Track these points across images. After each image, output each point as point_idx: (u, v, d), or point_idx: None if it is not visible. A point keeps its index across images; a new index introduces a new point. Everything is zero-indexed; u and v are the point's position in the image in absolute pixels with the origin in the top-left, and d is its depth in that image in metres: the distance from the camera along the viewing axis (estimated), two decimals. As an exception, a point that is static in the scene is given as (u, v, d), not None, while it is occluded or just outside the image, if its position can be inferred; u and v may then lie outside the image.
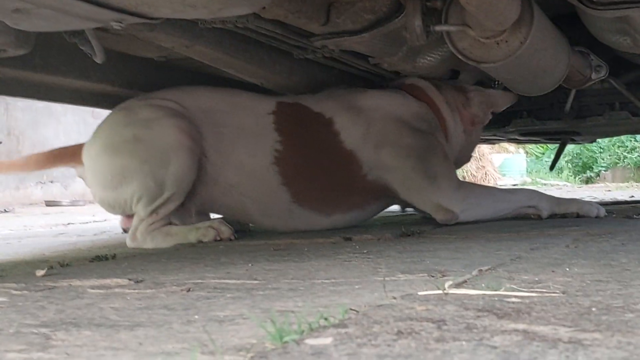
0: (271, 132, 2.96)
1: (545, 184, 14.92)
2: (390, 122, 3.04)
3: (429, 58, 2.90)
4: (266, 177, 2.94)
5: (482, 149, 17.92)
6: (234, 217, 3.06)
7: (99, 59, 2.15)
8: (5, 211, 8.28)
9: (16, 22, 1.65)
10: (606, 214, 3.09)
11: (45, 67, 2.56)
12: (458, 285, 1.39)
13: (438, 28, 2.46)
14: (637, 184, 12.38)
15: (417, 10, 2.45)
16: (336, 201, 3.04)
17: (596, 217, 3.08)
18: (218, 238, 2.75)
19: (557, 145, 5.28)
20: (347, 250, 2.29)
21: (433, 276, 1.58)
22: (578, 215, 3.03)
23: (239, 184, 2.94)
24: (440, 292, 1.33)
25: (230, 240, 2.77)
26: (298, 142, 2.98)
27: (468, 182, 3.15)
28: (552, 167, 5.57)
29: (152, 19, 1.69)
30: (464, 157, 3.51)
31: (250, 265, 2.01)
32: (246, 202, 2.98)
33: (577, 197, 4.29)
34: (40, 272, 2.00)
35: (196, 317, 1.26)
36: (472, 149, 3.53)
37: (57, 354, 1.02)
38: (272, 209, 3.01)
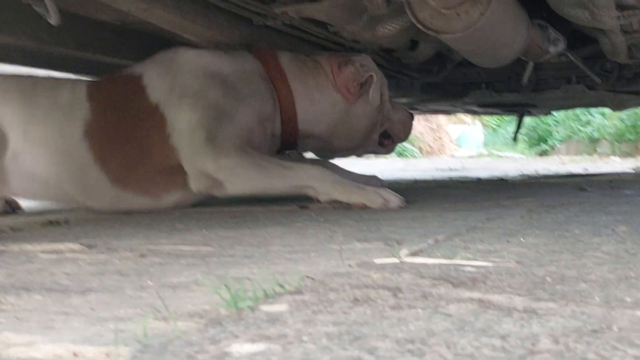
0: (83, 104, 2.69)
1: (501, 156, 15.05)
2: (199, 75, 2.73)
3: (389, 27, 2.88)
4: (79, 152, 2.65)
5: (439, 119, 18.02)
6: (55, 200, 2.79)
7: (53, 20, 2.11)
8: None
9: (-33, -20, 1.61)
10: (405, 205, 2.59)
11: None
12: (414, 254, 1.39)
13: (399, -3, 2.45)
14: (590, 157, 12.55)
15: (378, -21, 2.43)
16: (153, 179, 2.70)
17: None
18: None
19: (514, 117, 5.32)
20: (304, 218, 2.28)
21: (389, 245, 1.58)
22: (365, 206, 2.58)
23: (55, 164, 2.66)
24: (396, 260, 1.33)
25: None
26: (108, 110, 2.69)
27: (247, 152, 2.65)
28: (514, 138, 5.60)
29: (108, -21, 1.66)
30: (352, 129, 3.07)
31: (205, 231, 2.00)
32: (64, 183, 2.68)
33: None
34: (-10, 236, 1.97)
35: (150, 283, 1.25)
36: (363, 121, 3.07)
37: (7, 318, 1.01)
38: (92, 189, 2.68)
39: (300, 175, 2.64)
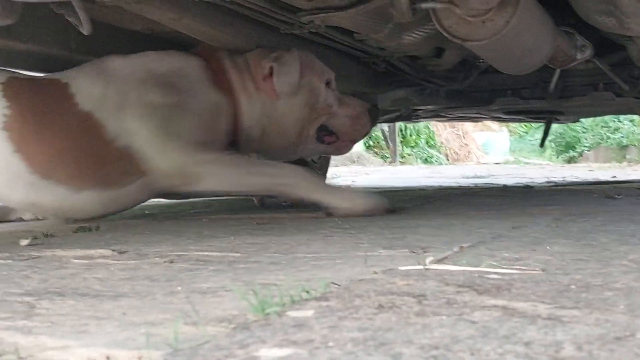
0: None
1: (528, 163, 14.98)
2: (131, 82, 2.68)
3: (414, 35, 2.90)
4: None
5: (466, 127, 17.97)
6: None
7: (85, 30, 2.14)
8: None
9: (2, -8, 1.64)
10: (392, 209, 2.56)
11: (31, 37, 2.54)
12: (439, 261, 1.41)
13: (424, 5, 2.46)
14: (619, 164, 12.46)
15: (400, -13, 2.45)
16: (84, 173, 2.64)
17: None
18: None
19: (541, 124, 5.31)
20: (329, 225, 2.30)
21: (414, 252, 1.59)
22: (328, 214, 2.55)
23: None
24: (421, 267, 1.34)
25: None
26: (29, 107, 2.64)
27: (218, 149, 2.66)
28: (542, 144, 5.58)
29: (138, -10, 1.69)
30: (280, 127, 2.95)
31: (232, 238, 2.02)
32: None
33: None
34: (24, 242, 2.01)
35: (179, 288, 1.28)
36: (290, 116, 2.94)
37: (42, 322, 1.03)
38: (11, 181, 2.62)
39: (283, 172, 2.60)
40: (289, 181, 2.57)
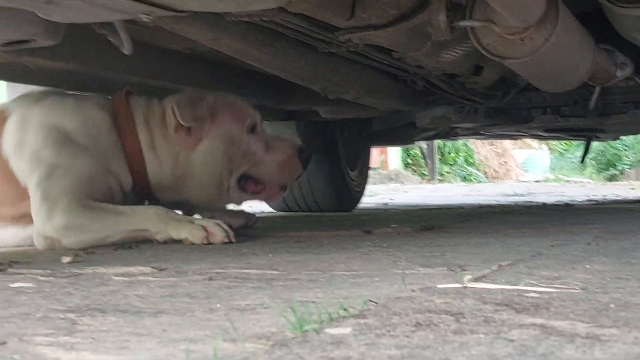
0: None
1: (568, 181, 14.85)
2: (39, 132, 2.66)
3: (452, 53, 2.90)
4: None
5: (505, 144, 17.88)
6: None
7: (127, 50, 2.18)
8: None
9: (47, 14, 1.68)
10: (232, 240, 2.46)
11: (74, 57, 2.59)
12: (477, 280, 1.41)
13: (462, 23, 2.47)
14: (662, 182, 12.29)
15: (442, 6, 2.45)
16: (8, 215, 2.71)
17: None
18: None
19: (582, 142, 5.27)
20: (367, 243, 2.30)
21: (453, 270, 1.59)
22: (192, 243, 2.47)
23: None
24: (459, 285, 1.34)
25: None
26: None
27: (81, 206, 2.55)
28: (582, 163, 5.54)
29: (179, 12, 1.72)
30: (198, 178, 2.82)
31: (271, 256, 2.04)
32: None
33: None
34: (66, 259, 2.04)
35: (218, 305, 1.29)
36: (208, 168, 2.80)
37: (84, 339, 1.05)
38: None
39: (133, 219, 2.54)
40: (144, 226, 2.53)
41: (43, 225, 2.54)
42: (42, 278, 1.72)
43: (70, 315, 1.23)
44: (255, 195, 2.96)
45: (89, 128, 2.70)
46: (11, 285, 1.62)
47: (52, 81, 2.79)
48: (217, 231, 2.46)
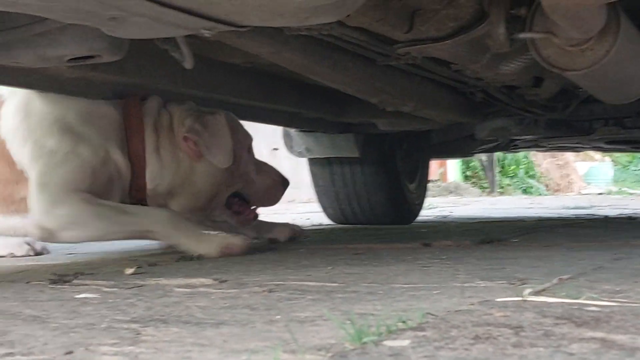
0: None
1: (632, 194, 14.59)
2: (43, 121, 2.64)
3: (512, 65, 2.88)
4: None
5: (567, 156, 17.64)
6: None
7: (188, 64, 2.21)
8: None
9: (112, 30, 1.72)
10: (248, 249, 2.51)
11: (138, 72, 2.64)
12: (537, 293, 1.40)
13: (522, 35, 2.46)
14: None
15: (501, 18, 2.45)
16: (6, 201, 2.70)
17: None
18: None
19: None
20: (426, 255, 2.30)
21: (512, 284, 1.59)
22: (200, 256, 2.47)
23: None
24: (519, 299, 1.34)
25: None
26: None
27: (83, 200, 2.54)
28: None
29: (240, 26, 1.74)
30: (195, 189, 2.84)
31: (330, 268, 2.05)
32: None
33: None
34: (129, 271, 2.08)
35: (278, 317, 1.30)
36: (208, 180, 2.83)
37: (147, 349, 1.07)
38: None
39: (141, 220, 2.54)
40: (151, 228, 2.53)
41: (42, 215, 2.52)
42: (106, 289, 1.76)
43: (134, 325, 1.26)
44: (234, 215, 3.00)
45: (96, 122, 2.69)
46: (76, 296, 1.66)
47: (116, 96, 2.84)
48: (236, 242, 2.50)
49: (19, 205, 2.66)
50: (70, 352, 1.06)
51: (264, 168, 3.08)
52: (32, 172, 2.59)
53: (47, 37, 1.99)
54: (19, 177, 2.64)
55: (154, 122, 2.79)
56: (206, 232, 2.53)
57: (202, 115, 2.80)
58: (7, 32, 1.92)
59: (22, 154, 2.63)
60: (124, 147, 2.72)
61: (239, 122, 3.03)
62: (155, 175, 2.77)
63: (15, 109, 2.68)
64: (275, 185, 3.08)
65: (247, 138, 3.02)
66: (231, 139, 2.84)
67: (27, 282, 1.95)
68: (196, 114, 2.80)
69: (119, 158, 2.70)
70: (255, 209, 3.05)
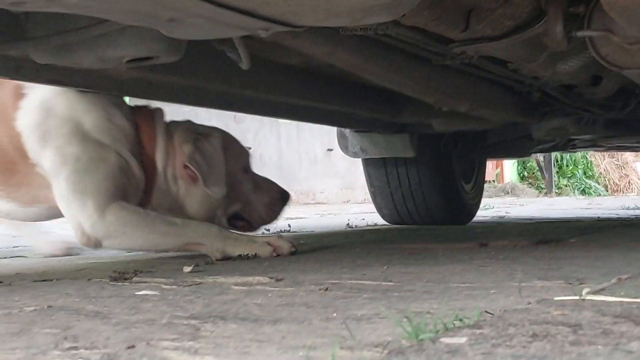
0: None
1: (693, 194, 14.30)
2: (66, 123, 2.62)
3: (570, 64, 2.85)
4: None
5: (626, 156, 17.36)
6: None
7: (244, 65, 2.24)
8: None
9: (170, 31, 1.74)
10: (296, 248, 2.55)
11: (194, 73, 2.67)
12: (596, 293, 1.39)
13: (580, 34, 2.43)
14: None
15: (559, 16, 2.42)
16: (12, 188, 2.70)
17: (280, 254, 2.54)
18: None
19: None
20: (483, 255, 2.29)
21: (570, 283, 1.57)
22: (256, 255, 2.50)
23: None
24: (577, 298, 1.33)
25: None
26: None
27: (127, 208, 2.55)
28: None
29: (296, 27, 1.76)
30: (189, 210, 2.80)
31: (385, 267, 2.05)
32: None
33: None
34: (187, 269, 2.11)
35: (334, 314, 1.31)
36: (203, 204, 2.81)
37: (207, 344, 1.09)
38: None
39: (188, 232, 2.54)
40: (199, 240, 2.53)
41: (87, 221, 2.51)
42: (165, 286, 1.79)
43: (193, 321, 1.28)
44: (241, 228, 2.96)
45: (113, 128, 2.68)
46: (137, 293, 1.69)
47: (172, 96, 2.88)
48: (282, 243, 2.53)
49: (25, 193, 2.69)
50: (132, 347, 1.08)
51: (263, 185, 3.02)
52: (60, 178, 2.57)
53: (106, 38, 2.02)
54: (25, 166, 2.65)
55: (163, 137, 2.77)
56: (251, 239, 2.57)
57: (199, 139, 2.78)
58: (68, 34, 1.95)
59: (40, 155, 2.62)
60: (137, 158, 2.72)
61: (235, 141, 2.98)
62: (161, 191, 2.77)
63: (36, 106, 2.66)
64: (273, 202, 3.02)
65: (243, 157, 2.98)
66: (225, 166, 2.81)
67: (89, 280, 1.99)
68: (194, 137, 2.78)
69: (136, 167, 2.70)
70: (255, 227, 3.01)
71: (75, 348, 1.09)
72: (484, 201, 5.96)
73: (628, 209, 7.07)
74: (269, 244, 2.54)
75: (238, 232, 2.77)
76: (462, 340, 1.00)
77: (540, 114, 3.94)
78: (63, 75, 2.41)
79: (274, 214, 3.03)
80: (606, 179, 17.55)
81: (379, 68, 2.70)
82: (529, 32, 2.43)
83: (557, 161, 16.11)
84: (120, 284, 1.88)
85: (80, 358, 1.03)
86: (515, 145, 4.77)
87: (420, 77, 2.91)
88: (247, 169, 2.96)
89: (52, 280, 2.02)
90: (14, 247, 3.51)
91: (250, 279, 1.85)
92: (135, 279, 1.95)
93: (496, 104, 3.49)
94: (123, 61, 2.10)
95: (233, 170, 2.87)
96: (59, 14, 1.89)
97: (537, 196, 14.39)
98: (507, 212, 6.48)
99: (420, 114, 3.86)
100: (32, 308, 1.50)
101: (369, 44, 2.57)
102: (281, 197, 3.04)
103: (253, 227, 2.98)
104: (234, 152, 2.94)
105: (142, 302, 1.54)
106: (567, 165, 16.65)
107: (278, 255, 2.50)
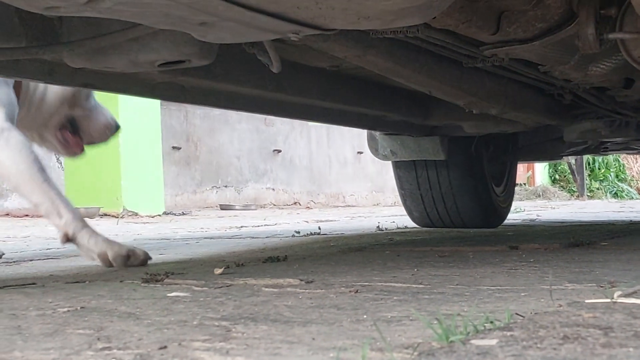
0: None
1: None
2: None
3: (601, 66, 2.84)
4: None
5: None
6: None
7: (275, 68, 2.25)
8: (183, 214, 8.66)
9: (201, 35, 1.76)
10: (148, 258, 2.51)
11: (226, 76, 2.69)
12: (627, 296, 1.38)
13: (612, 36, 2.42)
14: None
15: (591, 18, 2.41)
16: None
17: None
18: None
19: None
20: (513, 258, 2.28)
21: (601, 286, 1.57)
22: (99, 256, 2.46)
23: None
24: (608, 301, 1.32)
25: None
26: None
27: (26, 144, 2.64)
28: None
29: (327, 30, 1.76)
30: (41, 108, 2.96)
31: (415, 270, 2.05)
32: None
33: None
34: (218, 271, 2.12)
35: (365, 316, 1.32)
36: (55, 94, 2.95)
37: (238, 345, 1.10)
38: None
39: (61, 202, 2.51)
40: (62, 210, 2.51)
41: None
42: (196, 288, 1.80)
43: (224, 323, 1.29)
44: (61, 143, 3.05)
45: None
46: (168, 294, 1.71)
47: (205, 100, 2.90)
48: (139, 252, 2.50)
49: None
50: (164, 347, 1.09)
51: (103, 111, 3.16)
52: None
53: (139, 42, 2.05)
54: None
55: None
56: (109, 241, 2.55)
57: None
58: (101, 38, 1.98)
59: None
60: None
61: None
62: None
63: None
64: (107, 125, 3.15)
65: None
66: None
67: (121, 281, 2.01)
68: None
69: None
70: (83, 142, 3.13)
71: (109, 348, 1.10)
72: (515, 204, 5.93)
73: (661, 212, 7.00)
74: (129, 251, 2.49)
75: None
76: (493, 342, 1.00)
77: (571, 117, 3.92)
78: (96, 79, 2.44)
79: (103, 136, 3.16)
80: (639, 182, 17.38)
81: (409, 71, 2.70)
82: (560, 35, 2.42)
83: (589, 164, 15.99)
84: (152, 285, 1.90)
85: (114, 358, 1.04)
86: (546, 148, 4.75)
87: (450, 80, 2.91)
88: (89, 96, 3.08)
89: (84, 282, 2.05)
90: (47, 249, 3.55)
91: (280, 280, 1.86)
92: (166, 280, 1.96)
93: (527, 107, 3.48)
94: (155, 65, 2.12)
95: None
96: (93, 18, 1.91)
97: (569, 199, 14.29)
98: (538, 215, 6.44)
99: (451, 116, 3.85)
100: (65, 309, 1.52)
101: (400, 46, 2.57)
102: (115, 125, 3.19)
103: (80, 144, 3.09)
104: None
105: (173, 304, 1.55)
106: (599, 168, 16.52)
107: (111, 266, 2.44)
